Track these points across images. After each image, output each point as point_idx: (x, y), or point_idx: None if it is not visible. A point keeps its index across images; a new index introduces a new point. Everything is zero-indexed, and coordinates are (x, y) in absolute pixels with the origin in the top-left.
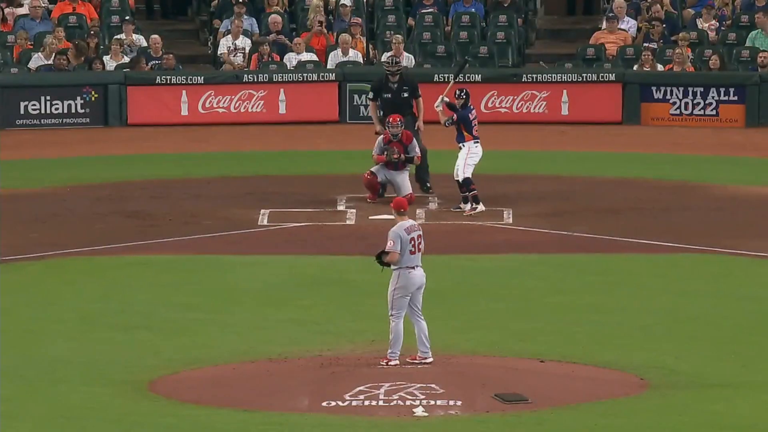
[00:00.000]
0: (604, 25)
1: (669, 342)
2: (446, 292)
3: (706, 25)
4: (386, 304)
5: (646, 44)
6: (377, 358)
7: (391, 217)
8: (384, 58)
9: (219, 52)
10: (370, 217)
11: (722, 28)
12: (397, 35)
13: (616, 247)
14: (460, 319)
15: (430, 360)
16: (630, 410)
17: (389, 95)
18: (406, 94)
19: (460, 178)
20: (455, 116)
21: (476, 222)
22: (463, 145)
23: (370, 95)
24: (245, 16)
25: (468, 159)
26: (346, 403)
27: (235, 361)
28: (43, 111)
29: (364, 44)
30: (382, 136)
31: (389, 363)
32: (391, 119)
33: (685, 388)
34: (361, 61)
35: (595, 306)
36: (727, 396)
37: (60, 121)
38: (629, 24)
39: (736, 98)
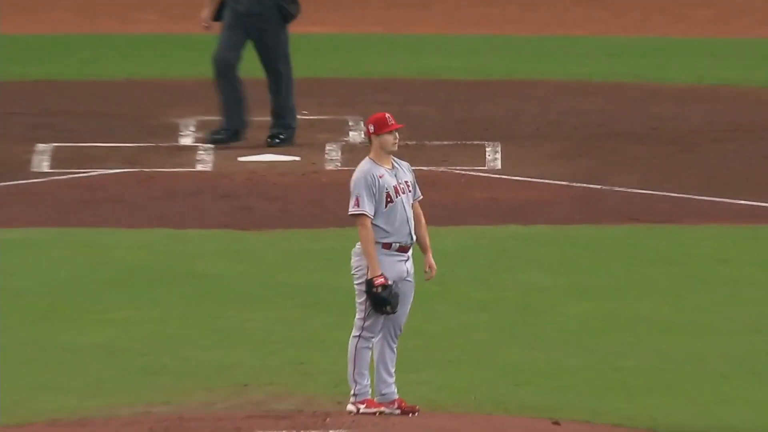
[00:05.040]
0: None
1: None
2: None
3: None
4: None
5: None
6: (264, 419)
7: (275, 158)
8: None
9: None
10: (239, 159)
11: None
12: None
13: (679, 210)
14: (418, 344)
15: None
16: None
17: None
18: None
19: None
20: None
21: (439, 169)
22: None
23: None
24: None
25: None
26: None
27: None
28: None
29: None
30: None
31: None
32: None
33: None
34: None
35: (643, 319)
36: None
37: None
38: None
39: None
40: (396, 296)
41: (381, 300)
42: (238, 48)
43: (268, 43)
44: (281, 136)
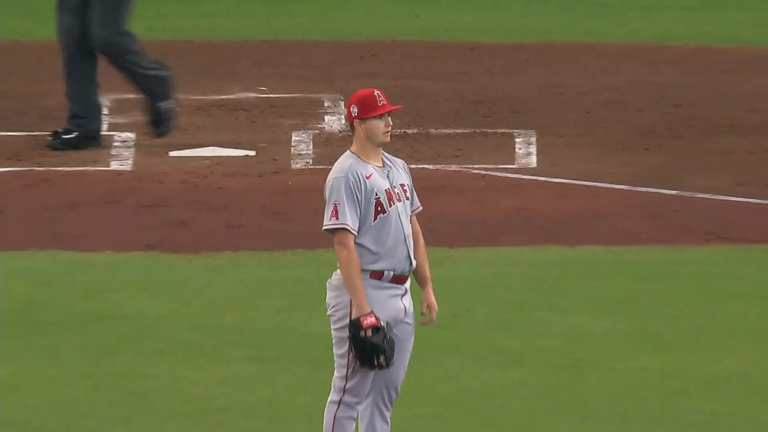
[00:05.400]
0: None
1: None
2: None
3: None
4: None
5: None
6: None
7: (222, 152)
8: None
9: None
10: (170, 153)
11: None
12: None
13: None
14: (421, 412)
15: None
16: None
17: None
18: None
19: None
20: None
21: (450, 167)
22: None
23: None
24: None
25: None
26: None
27: None
28: None
29: None
30: None
31: None
32: None
33: None
34: None
35: (735, 378)
36: None
37: None
38: None
39: None
40: (391, 343)
41: (371, 348)
42: (78, 14)
43: (88, 10)
44: (166, 110)
